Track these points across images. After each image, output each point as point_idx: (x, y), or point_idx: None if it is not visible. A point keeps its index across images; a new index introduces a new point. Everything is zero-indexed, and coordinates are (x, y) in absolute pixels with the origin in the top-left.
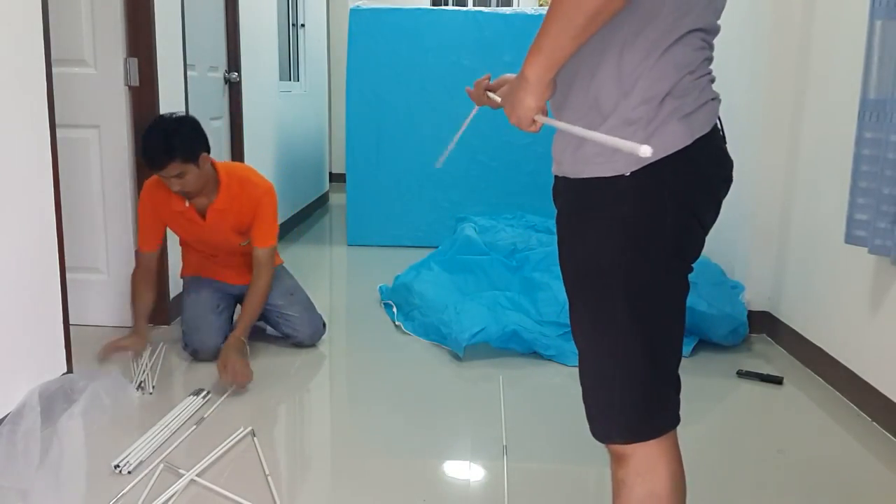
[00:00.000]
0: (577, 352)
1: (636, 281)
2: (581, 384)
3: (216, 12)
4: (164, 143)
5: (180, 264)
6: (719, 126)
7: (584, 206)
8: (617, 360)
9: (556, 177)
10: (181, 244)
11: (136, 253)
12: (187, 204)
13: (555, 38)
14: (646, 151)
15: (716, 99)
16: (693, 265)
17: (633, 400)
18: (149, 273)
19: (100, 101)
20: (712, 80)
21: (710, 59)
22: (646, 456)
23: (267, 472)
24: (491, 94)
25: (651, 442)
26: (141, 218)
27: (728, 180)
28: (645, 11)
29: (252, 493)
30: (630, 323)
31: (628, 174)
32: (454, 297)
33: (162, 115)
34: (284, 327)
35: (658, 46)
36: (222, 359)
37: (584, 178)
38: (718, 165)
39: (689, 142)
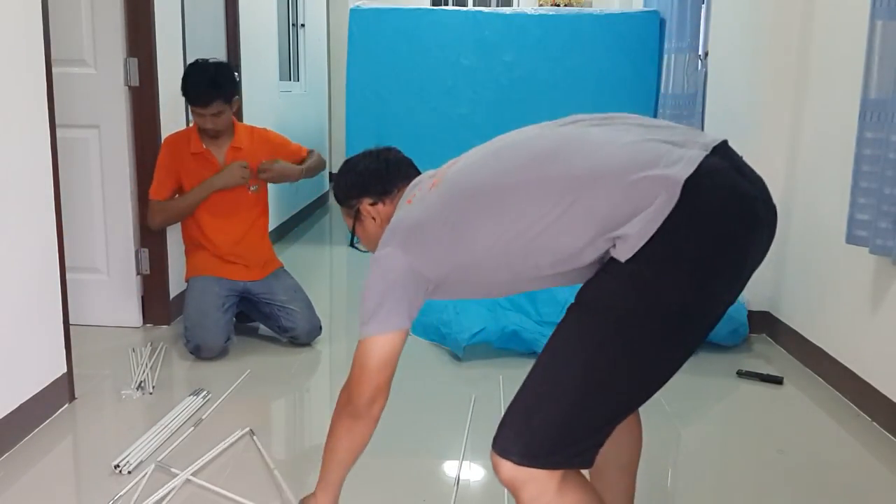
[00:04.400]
0: None
1: (620, 328)
2: (516, 393)
3: (216, 13)
4: (212, 82)
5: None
6: (727, 164)
7: (607, 268)
8: (555, 387)
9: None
10: (187, 242)
11: (149, 202)
12: (204, 146)
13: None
14: None
15: (679, 162)
16: (708, 335)
17: (545, 429)
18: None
19: (100, 101)
20: (677, 131)
21: (629, 136)
22: (538, 488)
23: (272, 467)
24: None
25: (545, 475)
26: (158, 170)
27: (747, 200)
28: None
29: (252, 493)
30: (586, 362)
31: (644, 244)
32: None
33: (200, 60)
34: (284, 320)
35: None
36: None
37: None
38: (730, 201)
39: (673, 202)
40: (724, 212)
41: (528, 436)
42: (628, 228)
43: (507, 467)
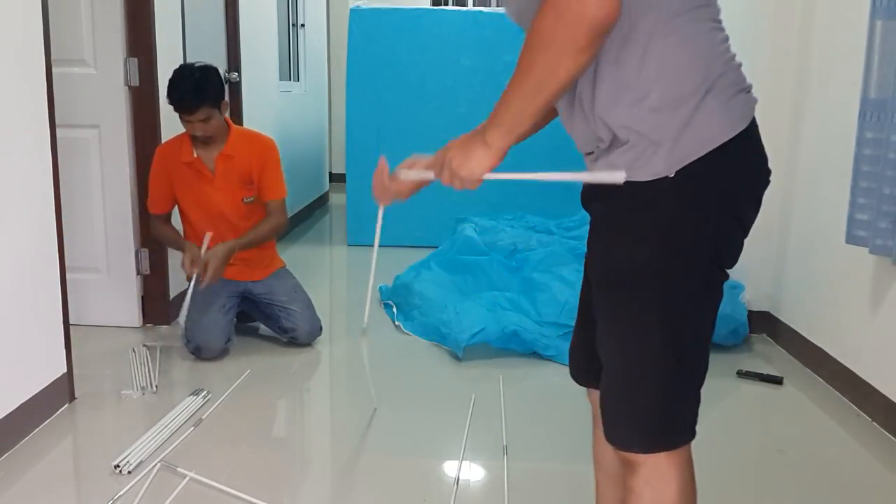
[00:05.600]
0: None
1: (671, 287)
2: (602, 389)
3: (216, 12)
4: (196, 88)
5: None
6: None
7: (622, 207)
8: (644, 368)
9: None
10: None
11: (150, 216)
12: (195, 154)
13: (518, 112)
14: (620, 178)
15: (747, 89)
16: (728, 274)
17: (655, 410)
18: (166, 223)
19: (100, 101)
20: (740, 65)
21: (726, 40)
22: (656, 465)
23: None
24: (408, 172)
25: (663, 453)
26: (151, 181)
27: (769, 173)
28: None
29: (254, 492)
30: (661, 330)
31: (672, 175)
32: (454, 298)
33: (185, 65)
34: (285, 321)
35: (655, 36)
36: (207, 254)
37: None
38: (763, 160)
39: (731, 135)
40: (757, 167)
41: (641, 423)
42: (668, 126)
43: (631, 457)
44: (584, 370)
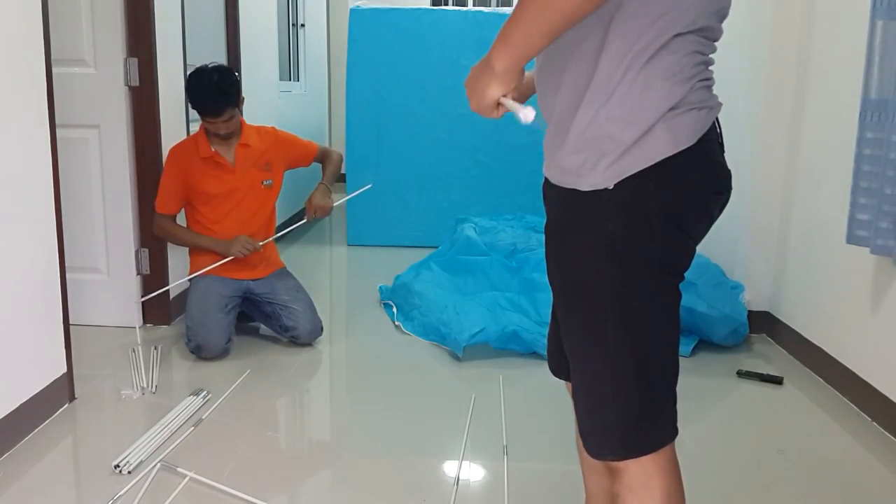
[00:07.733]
0: None
1: (624, 297)
2: (572, 399)
3: (216, 12)
4: (219, 92)
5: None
6: (718, 134)
7: (568, 218)
8: (608, 378)
9: (545, 177)
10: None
11: (155, 215)
12: (213, 149)
13: (524, 32)
14: (527, 116)
15: (707, 107)
16: (685, 274)
17: (625, 417)
18: (174, 221)
19: (100, 101)
20: (709, 86)
21: (706, 64)
22: (639, 471)
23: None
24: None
25: (645, 457)
26: (164, 180)
27: (722, 192)
28: (626, 12)
29: (254, 492)
30: (620, 339)
31: (612, 187)
32: (454, 298)
33: (200, 69)
34: (286, 319)
35: (642, 53)
36: (309, 198)
37: (565, 189)
38: (712, 178)
39: (673, 151)
40: (701, 183)
41: (612, 434)
42: (628, 128)
43: (613, 463)
44: (558, 363)
